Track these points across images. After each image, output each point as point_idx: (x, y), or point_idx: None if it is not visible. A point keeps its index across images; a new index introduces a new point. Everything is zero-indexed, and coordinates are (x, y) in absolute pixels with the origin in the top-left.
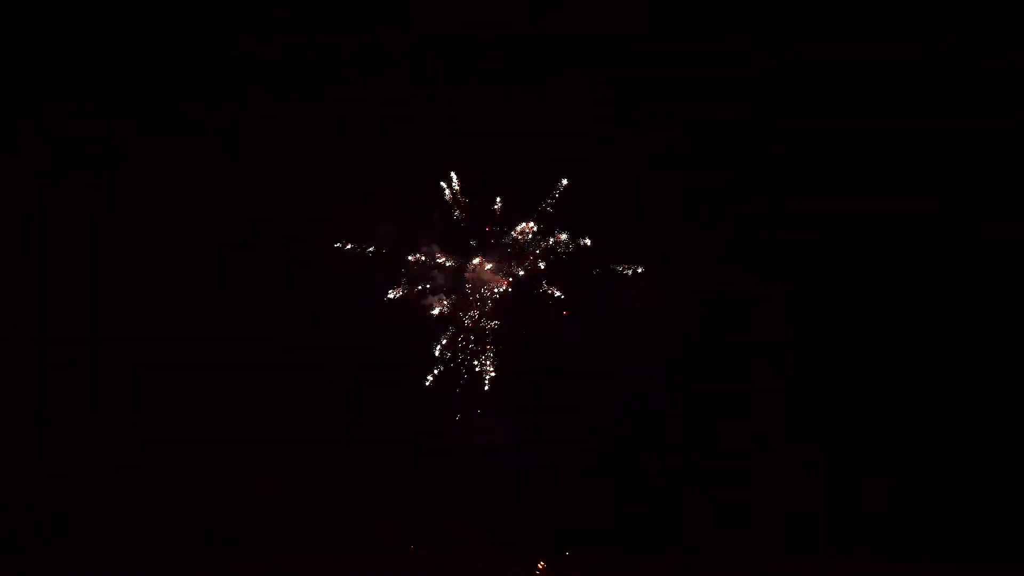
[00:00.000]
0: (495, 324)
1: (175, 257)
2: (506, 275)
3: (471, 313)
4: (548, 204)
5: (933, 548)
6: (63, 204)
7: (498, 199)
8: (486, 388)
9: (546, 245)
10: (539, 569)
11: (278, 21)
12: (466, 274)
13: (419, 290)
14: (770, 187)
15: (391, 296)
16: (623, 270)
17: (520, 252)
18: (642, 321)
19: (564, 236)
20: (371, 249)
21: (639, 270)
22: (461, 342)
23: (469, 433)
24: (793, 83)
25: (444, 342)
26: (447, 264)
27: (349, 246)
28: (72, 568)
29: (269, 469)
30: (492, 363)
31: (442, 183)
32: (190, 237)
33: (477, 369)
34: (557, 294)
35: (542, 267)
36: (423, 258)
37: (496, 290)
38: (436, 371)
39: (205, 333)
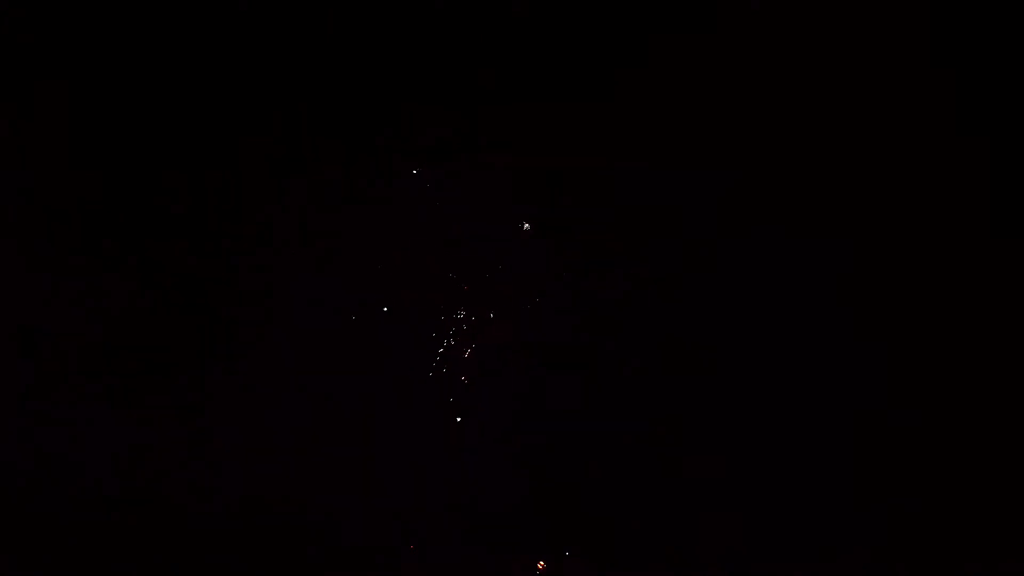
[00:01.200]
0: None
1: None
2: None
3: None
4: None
5: (933, 549)
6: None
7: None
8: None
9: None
10: (539, 569)
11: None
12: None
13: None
14: (771, 186)
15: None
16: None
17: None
18: (637, 320)
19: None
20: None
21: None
22: (442, 351)
23: (465, 434)
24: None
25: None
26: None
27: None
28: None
29: (265, 471)
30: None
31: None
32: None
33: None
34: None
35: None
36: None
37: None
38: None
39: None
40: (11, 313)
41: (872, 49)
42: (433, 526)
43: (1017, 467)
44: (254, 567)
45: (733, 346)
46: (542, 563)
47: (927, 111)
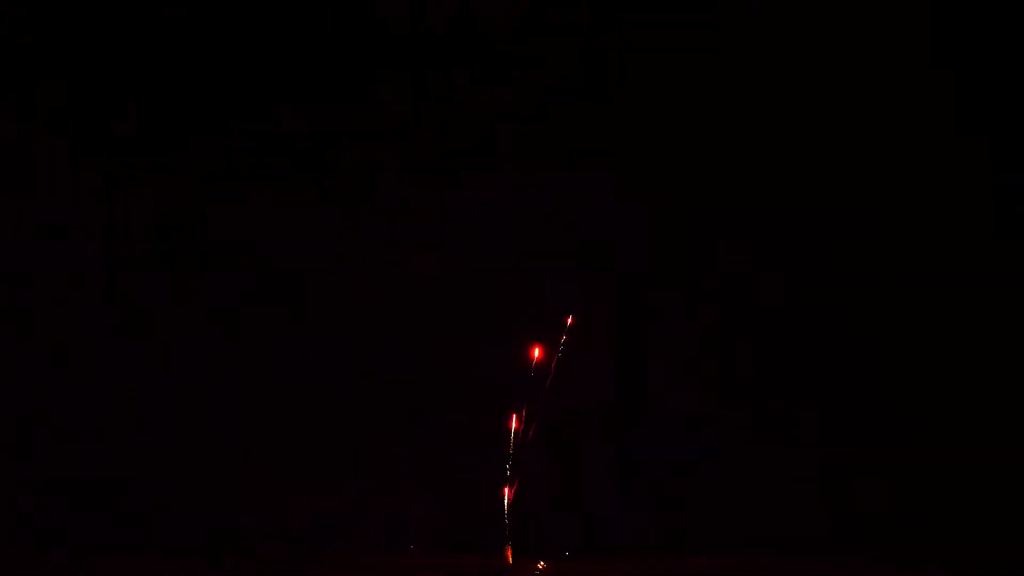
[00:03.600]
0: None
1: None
2: None
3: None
4: None
5: (933, 548)
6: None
7: None
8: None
9: None
10: (539, 569)
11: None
12: None
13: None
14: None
15: None
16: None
17: None
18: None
19: None
20: None
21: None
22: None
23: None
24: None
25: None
26: None
27: None
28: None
29: (271, 471)
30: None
31: None
32: None
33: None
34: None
35: None
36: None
37: None
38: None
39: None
40: None
41: (872, 49)
42: (434, 526)
43: (1017, 467)
44: (254, 564)
45: (730, 348)
46: (542, 563)
47: (927, 111)
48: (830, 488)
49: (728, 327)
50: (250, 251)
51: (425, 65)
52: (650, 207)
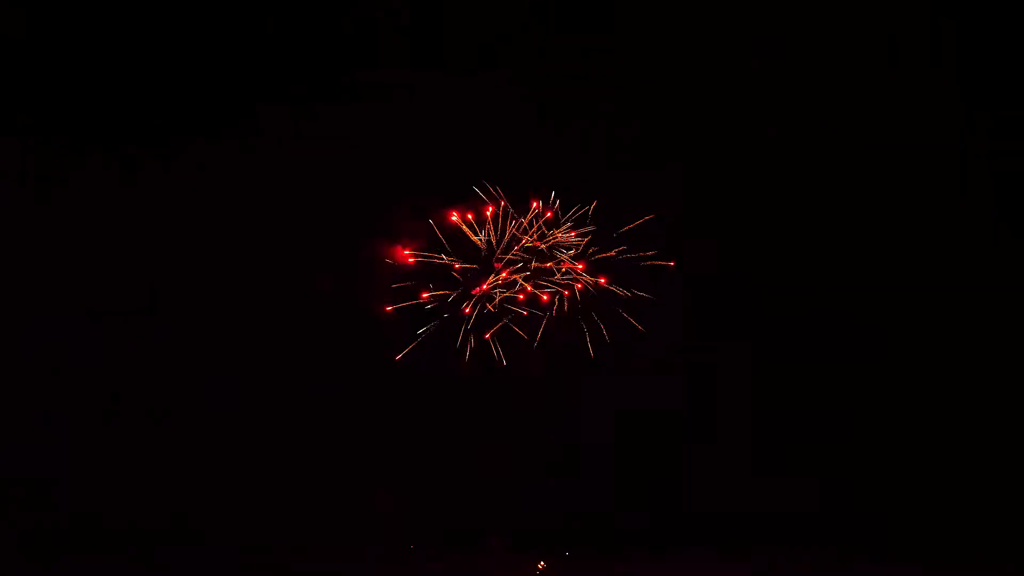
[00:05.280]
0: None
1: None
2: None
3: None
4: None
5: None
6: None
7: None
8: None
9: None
10: (539, 569)
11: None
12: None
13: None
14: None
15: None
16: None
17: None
18: (643, 331)
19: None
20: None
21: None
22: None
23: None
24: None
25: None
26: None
27: None
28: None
29: (273, 465)
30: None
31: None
32: None
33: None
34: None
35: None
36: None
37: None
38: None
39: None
40: None
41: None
42: (436, 526)
43: (1017, 468)
44: (256, 559)
45: (737, 347)
46: (542, 563)
47: (929, 111)
48: None
49: None
50: None
51: None
52: None
